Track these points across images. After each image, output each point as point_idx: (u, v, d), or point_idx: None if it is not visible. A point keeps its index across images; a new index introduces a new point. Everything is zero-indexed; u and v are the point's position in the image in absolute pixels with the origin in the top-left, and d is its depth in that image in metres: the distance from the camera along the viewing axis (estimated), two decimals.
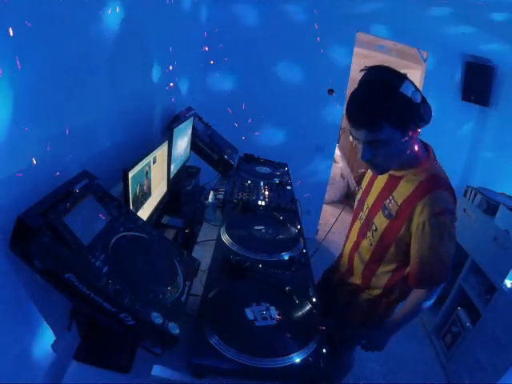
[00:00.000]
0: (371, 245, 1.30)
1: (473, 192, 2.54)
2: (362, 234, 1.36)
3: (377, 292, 1.37)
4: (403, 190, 1.17)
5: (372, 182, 1.36)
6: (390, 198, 1.21)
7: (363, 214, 1.37)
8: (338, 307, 1.48)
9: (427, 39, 3.24)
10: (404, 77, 1.03)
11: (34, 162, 0.93)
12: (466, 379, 2.11)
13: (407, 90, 1.00)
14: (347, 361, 1.68)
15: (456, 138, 3.61)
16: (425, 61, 3.39)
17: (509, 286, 1.97)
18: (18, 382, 0.94)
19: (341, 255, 1.58)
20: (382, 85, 1.02)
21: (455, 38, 2.92)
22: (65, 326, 1.05)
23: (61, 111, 1.04)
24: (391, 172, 1.22)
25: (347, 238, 1.51)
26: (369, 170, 1.40)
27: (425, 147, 1.21)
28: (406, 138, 1.06)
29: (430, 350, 2.54)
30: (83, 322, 1.10)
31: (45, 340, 1.06)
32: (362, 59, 4.17)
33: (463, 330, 2.28)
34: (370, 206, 1.32)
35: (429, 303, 1.26)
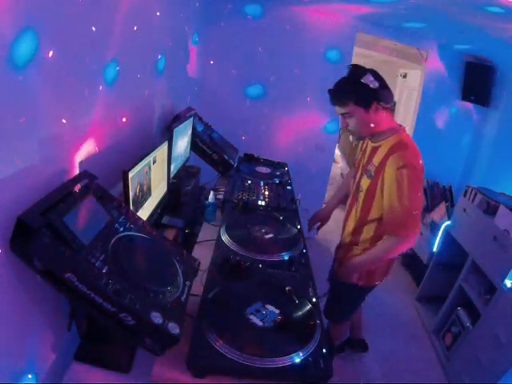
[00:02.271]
0: (359, 203, 1.61)
1: (473, 192, 2.54)
2: (354, 199, 1.68)
3: (365, 246, 1.62)
4: (379, 155, 1.49)
5: (360, 160, 1.68)
6: (371, 163, 1.54)
7: (355, 185, 1.69)
8: (334, 269, 1.80)
9: (427, 39, 3.24)
10: (368, 71, 1.43)
11: (34, 162, 0.93)
12: (466, 379, 2.11)
13: (367, 80, 1.40)
14: (342, 317, 1.96)
15: (456, 138, 3.61)
16: (425, 61, 3.39)
17: (509, 285, 1.97)
18: (18, 381, 0.94)
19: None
20: (348, 77, 1.46)
21: (455, 38, 2.92)
22: (65, 326, 1.05)
23: (61, 111, 1.04)
24: (373, 144, 1.56)
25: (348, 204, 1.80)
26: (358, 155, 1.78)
27: (399, 126, 1.55)
28: (370, 113, 1.45)
29: (430, 350, 2.54)
30: (83, 322, 1.10)
31: (45, 340, 1.06)
32: (361, 59, 4.17)
33: (463, 329, 2.28)
34: (359, 175, 1.65)
35: (392, 251, 1.52)
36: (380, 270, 1.68)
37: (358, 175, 1.65)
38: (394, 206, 1.41)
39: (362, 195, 1.58)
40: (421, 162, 1.43)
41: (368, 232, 1.60)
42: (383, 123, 1.49)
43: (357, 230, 1.64)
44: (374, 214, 1.54)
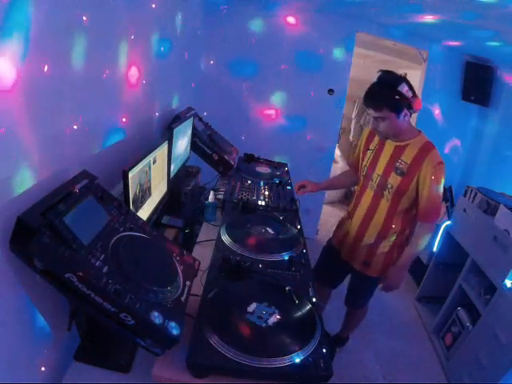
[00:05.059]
0: (388, 201, 1.73)
1: (473, 192, 2.54)
2: (378, 197, 1.76)
3: (393, 238, 1.77)
4: (410, 153, 1.64)
5: (377, 159, 1.76)
6: (400, 161, 1.67)
7: (373, 183, 1.78)
8: (354, 269, 1.90)
9: (427, 39, 3.24)
10: (402, 79, 1.54)
11: (35, 161, 0.93)
12: (466, 379, 2.11)
13: (402, 89, 1.52)
14: (366, 302, 2.13)
15: (456, 138, 3.61)
16: (425, 61, 3.39)
17: (509, 285, 1.97)
18: (18, 381, 0.94)
19: (347, 222, 1.95)
20: (385, 83, 1.56)
21: (455, 38, 2.92)
22: (65, 326, 1.05)
23: (61, 111, 1.04)
24: (396, 144, 1.69)
25: (356, 205, 1.88)
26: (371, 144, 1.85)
27: (418, 129, 1.73)
28: (400, 119, 1.58)
29: (430, 350, 2.54)
30: (83, 322, 1.10)
31: (45, 340, 1.06)
32: (362, 59, 4.16)
33: (463, 329, 2.28)
34: (381, 173, 1.74)
35: (430, 235, 1.71)
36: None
37: (380, 174, 1.74)
38: (432, 197, 1.61)
39: (391, 191, 1.70)
40: None
41: (397, 223, 1.75)
42: (407, 126, 1.65)
43: (387, 223, 1.76)
44: (403, 205, 1.71)
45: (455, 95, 3.45)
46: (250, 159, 2.68)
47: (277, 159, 2.84)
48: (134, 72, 1.57)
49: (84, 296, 0.83)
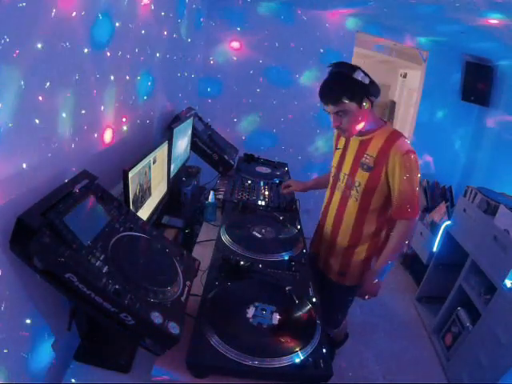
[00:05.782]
0: (357, 200, 1.58)
1: (473, 192, 2.54)
2: (345, 198, 1.63)
3: (367, 242, 1.63)
4: (375, 146, 1.52)
5: (343, 158, 1.66)
6: (365, 155, 1.54)
7: (341, 184, 1.66)
8: (331, 280, 1.74)
9: (427, 39, 3.24)
10: (356, 67, 1.44)
11: (34, 162, 0.93)
12: (465, 379, 2.11)
13: (358, 76, 1.41)
14: (343, 319, 1.95)
15: (456, 138, 3.61)
16: (425, 61, 3.39)
17: (509, 285, 1.97)
18: (18, 381, 0.94)
19: (321, 229, 1.84)
20: (339, 74, 1.47)
21: (455, 38, 2.92)
22: (65, 326, 1.05)
23: (61, 111, 1.04)
24: (361, 138, 1.57)
25: (326, 210, 1.78)
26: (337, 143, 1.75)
27: (383, 120, 1.61)
28: (362, 108, 1.46)
29: (430, 350, 2.54)
30: (83, 322, 1.10)
31: (45, 340, 1.06)
32: (362, 59, 4.16)
33: (463, 329, 2.28)
34: (347, 172, 1.62)
35: (409, 234, 1.56)
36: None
37: (347, 173, 1.62)
38: (403, 189, 1.45)
39: (359, 189, 1.55)
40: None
41: (370, 224, 1.60)
42: (370, 117, 1.53)
43: (358, 225, 1.60)
44: (374, 204, 1.55)
45: (455, 95, 3.45)
46: (250, 159, 2.68)
47: (277, 159, 2.84)
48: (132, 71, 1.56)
49: (84, 296, 0.83)
